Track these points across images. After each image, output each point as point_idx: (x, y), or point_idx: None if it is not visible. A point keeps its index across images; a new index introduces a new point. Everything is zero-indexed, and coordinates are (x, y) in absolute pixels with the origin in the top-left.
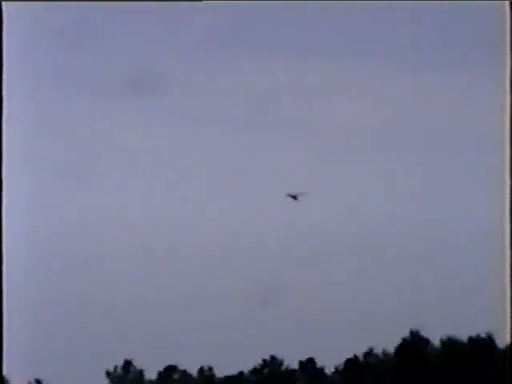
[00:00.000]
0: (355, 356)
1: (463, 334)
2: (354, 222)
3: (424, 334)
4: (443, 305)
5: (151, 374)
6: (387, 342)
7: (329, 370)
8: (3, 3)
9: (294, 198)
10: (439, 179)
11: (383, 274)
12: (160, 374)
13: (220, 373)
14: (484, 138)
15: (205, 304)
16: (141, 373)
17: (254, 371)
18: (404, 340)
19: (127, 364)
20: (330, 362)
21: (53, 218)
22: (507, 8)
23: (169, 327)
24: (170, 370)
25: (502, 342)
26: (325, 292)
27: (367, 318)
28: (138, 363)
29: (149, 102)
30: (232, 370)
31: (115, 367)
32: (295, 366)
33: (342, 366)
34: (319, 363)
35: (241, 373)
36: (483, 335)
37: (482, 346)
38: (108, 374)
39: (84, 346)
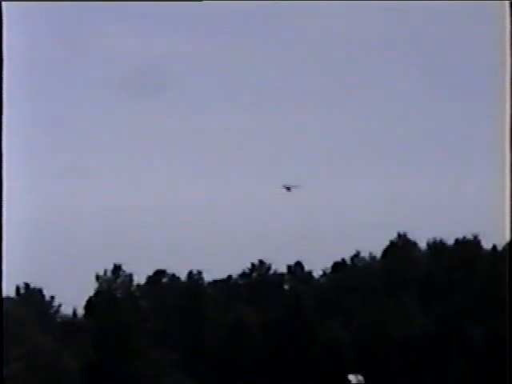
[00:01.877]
0: (342, 259)
1: (450, 237)
2: None
3: (411, 236)
4: (430, 208)
5: (140, 278)
6: (374, 245)
7: (316, 273)
8: (3, 3)
9: (288, 189)
10: None
11: (372, 176)
12: (149, 278)
13: (209, 277)
14: (483, 139)
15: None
16: (130, 277)
17: (243, 275)
18: (391, 243)
19: (117, 268)
20: (317, 265)
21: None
22: (507, 8)
23: (159, 232)
24: (159, 274)
25: (487, 243)
26: (315, 195)
27: (355, 222)
28: (127, 267)
29: (149, 101)
30: (221, 275)
31: (105, 271)
32: (283, 269)
33: (329, 270)
34: (307, 267)
35: (229, 277)
36: (469, 237)
37: (469, 247)
38: (97, 277)
39: (74, 251)
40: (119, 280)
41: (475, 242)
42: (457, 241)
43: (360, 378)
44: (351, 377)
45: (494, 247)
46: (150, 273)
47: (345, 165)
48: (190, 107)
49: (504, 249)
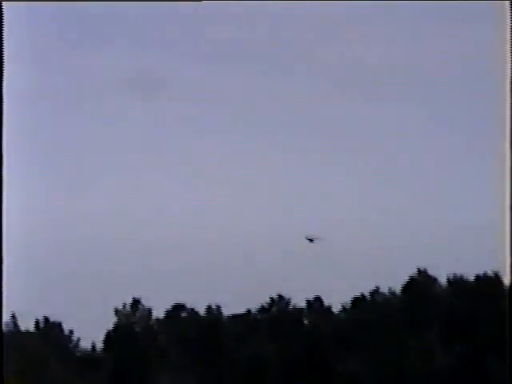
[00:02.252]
0: (362, 294)
1: (470, 273)
2: None
3: (431, 272)
4: (451, 244)
5: (159, 313)
6: (394, 280)
7: (336, 308)
8: (3, 3)
9: (311, 240)
10: None
11: (392, 210)
12: (168, 312)
13: (228, 311)
14: (483, 139)
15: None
16: (149, 311)
17: (262, 310)
18: (411, 278)
19: (136, 302)
20: (337, 300)
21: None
22: (507, 8)
23: (177, 267)
24: (178, 308)
25: (508, 279)
26: (337, 236)
27: (374, 256)
28: (146, 302)
29: (150, 102)
30: (240, 309)
31: (124, 305)
32: (303, 304)
33: (349, 305)
34: (326, 302)
35: (248, 311)
36: (490, 273)
37: (489, 283)
38: (117, 311)
39: (94, 286)
40: (138, 314)
41: (496, 278)
42: (478, 277)
43: None
44: None
45: None
46: (169, 307)
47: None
48: (190, 107)
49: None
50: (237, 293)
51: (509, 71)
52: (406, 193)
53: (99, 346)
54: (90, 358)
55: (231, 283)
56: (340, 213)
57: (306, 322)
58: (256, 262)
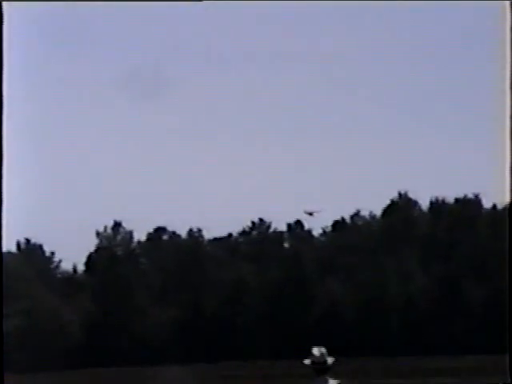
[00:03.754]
0: (342, 218)
1: (450, 196)
2: None
3: (412, 196)
4: (432, 167)
5: (140, 235)
6: (375, 204)
7: (316, 231)
8: (3, 3)
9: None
10: None
11: (371, 135)
12: (149, 235)
13: (209, 234)
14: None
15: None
16: (130, 234)
17: (243, 233)
18: (392, 202)
19: (117, 225)
20: (317, 224)
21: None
22: (507, 8)
23: (158, 188)
24: (160, 231)
25: (488, 202)
26: (315, 155)
27: (355, 180)
28: (127, 224)
29: (149, 103)
30: (221, 232)
31: (105, 228)
32: (283, 228)
33: (329, 228)
34: (307, 225)
35: (229, 234)
36: (470, 196)
37: (470, 206)
38: (98, 234)
39: (74, 207)
40: (119, 237)
41: (476, 201)
42: (457, 200)
43: (323, 350)
44: (314, 350)
45: (495, 206)
46: (151, 230)
47: (344, 123)
48: (190, 107)
49: (504, 208)
50: (218, 216)
51: (509, 71)
52: (388, 115)
53: (80, 268)
54: (72, 280)
55: (213, 206)
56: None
57: (286, 245)
58: (239, 186)
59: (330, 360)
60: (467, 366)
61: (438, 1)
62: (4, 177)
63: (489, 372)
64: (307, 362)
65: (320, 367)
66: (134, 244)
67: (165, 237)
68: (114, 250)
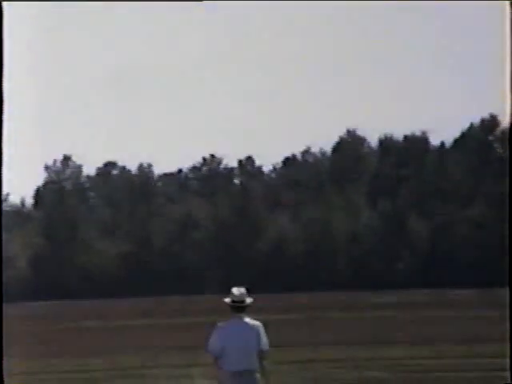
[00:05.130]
0: (293, 155)
1: (399, 133)
2: None
3: (360, 133)
4: (380, 103)
5: (90, 170)
6: (325, 141)
7: (267, 168)
8: (3, 3)
9: None
10: None
11: (322, 73)
12: (99, 169)
13: (159, 170)
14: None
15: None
16: (79, 168)
17: (193, 169)
18: (341, 139)
19: (66, 159)
20: (268, 160)
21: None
22: (507, 8)
23: (108, 124)
24: (109, 166)
25: (435, 139)
26: (264, 92)
27: (305, 117)
28: (77, 158)
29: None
30: (171, 168)
31: (54, 162)
32: (234, 164)
33: (279, 165)
34: (258, 162)
35: (180, 170)
36: (418, 133)
37: (417, 143)
38: (46, 167)
39: (23, 140)
40: (68, 171)
41: (423, 139)
42: (405, 137)
43: (242, 290)
44: (234, 290)
45: (442, 144)
46: (100, 164)
47: (294, 60)
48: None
49: (453, 146)
50: (169, 152)
51: (509, 71)
52: (339, 54)
53: (29, 202)
54: (19, 214)
55: (164, 142)
56: None
57: (236, 181)
58: (190, 123)
59: (248, 300)
60: (410, 300)
61: (438, 1)
62: None
63: (433, 306)
64: (227, 300)
65: (238, 305)
66: (83, 178)
67: (114, 172)
68: (62, 185)
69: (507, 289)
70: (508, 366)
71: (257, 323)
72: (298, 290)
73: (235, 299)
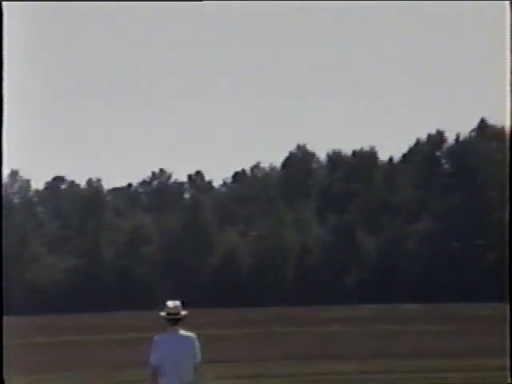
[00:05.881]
0: (243, 169)
1: (348, 148)
2: None
3: (310, 148)
4: (329, 120)
5: (38, 184)
6: (274, 156)
7: (217, 183)
8: (3, 3)
9: None
10: None
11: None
12: (47, 183)
13: (108, 184)
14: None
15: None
16: (27, 182)
17: (143, 183)
18: (290, 154)
19: (14, 173)
20: (217, 175)
21: None
22: (507, 8)
23: (58, 138)
24: (57, 180)
25: (384, 154)
26: (214, 108)
27: (255, 132)
28: (24, 173)
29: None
30: (121, 183)
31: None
32: (184, 178)
33: (229, 179)
34: (207, 176)
35: (129, 185)
36: (367, 148)
37: (366, 158)
38: None
39: None
40: (16, 185)
41: (372, 154)
42: (354, 152)
43: (177, 303)
44: (169, 303)
45: (391, 159)
46: (49, 178)
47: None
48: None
49: (401, 161)
50: (118, 167)
51: (509, 71)
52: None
53: None
54: None
55: (114, 157)
56: None
57: (186, 195)
58: (140, 138)
59: (183, 312)
60: (359, 315)
61: (439, 0)
62: None
63: (381, 320)
64: (162, 313)
65: (173, 318)
66: (32, 192)
67: (63, 186)
68: (10, 198)
69: (507, 300)
70: (508, 366)
71: (192, 335)
72: (247, 305)
73: (170, 312)
